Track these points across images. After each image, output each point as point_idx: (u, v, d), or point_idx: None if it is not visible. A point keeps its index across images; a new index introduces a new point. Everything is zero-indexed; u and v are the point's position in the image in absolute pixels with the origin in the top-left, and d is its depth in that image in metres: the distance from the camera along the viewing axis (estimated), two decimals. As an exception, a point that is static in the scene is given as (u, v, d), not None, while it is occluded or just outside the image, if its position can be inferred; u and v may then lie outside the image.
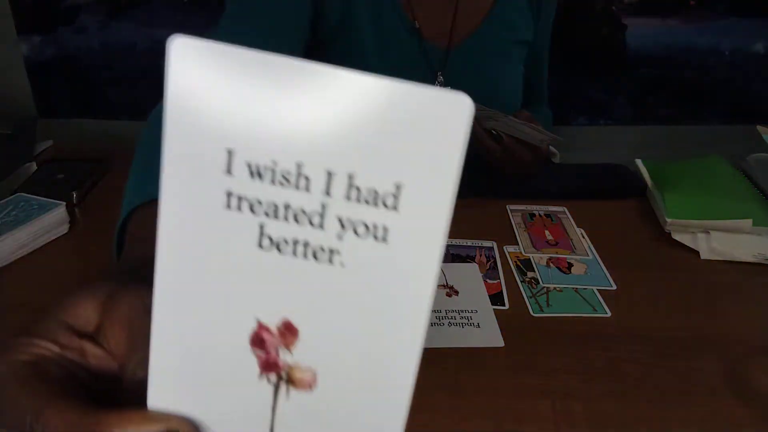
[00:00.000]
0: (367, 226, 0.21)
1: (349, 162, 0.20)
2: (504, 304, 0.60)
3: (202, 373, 0.24)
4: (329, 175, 0.21)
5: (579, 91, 1.20)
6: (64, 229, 0.72)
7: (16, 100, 1.04)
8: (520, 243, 0.70)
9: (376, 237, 0.21)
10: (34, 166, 0.87)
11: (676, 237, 0.70)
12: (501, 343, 0.54)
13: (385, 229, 0.21)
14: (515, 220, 0.75)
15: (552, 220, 0.75)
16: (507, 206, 0.78)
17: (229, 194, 0.21)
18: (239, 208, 0.21)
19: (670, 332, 0.56)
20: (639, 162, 0.85)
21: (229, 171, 0.21)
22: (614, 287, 0.62)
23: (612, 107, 1.20)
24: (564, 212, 0.77)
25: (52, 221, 0.71)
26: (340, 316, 0.22)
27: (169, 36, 0.20)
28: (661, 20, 1.07)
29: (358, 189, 0.21)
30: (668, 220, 0.71)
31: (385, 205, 0.21)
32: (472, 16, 0.86)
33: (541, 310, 0.59)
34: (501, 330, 0.56)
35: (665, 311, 0.59)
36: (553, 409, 0.47)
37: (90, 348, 0.28)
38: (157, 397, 0.24)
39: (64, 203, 0.73)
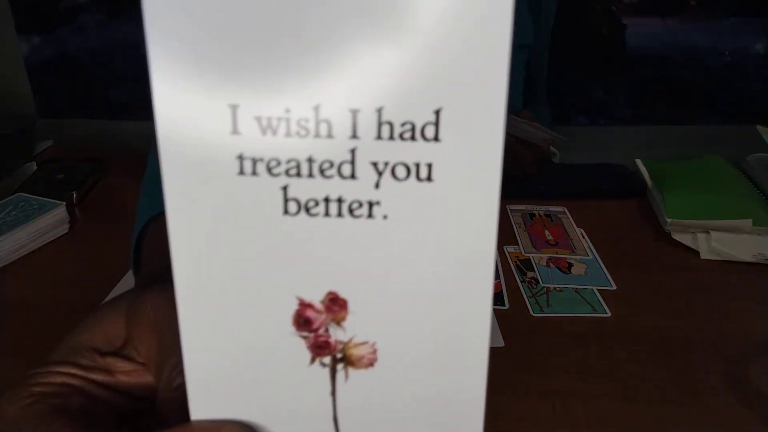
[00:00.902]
0: (407, 167, 0.18)
1: (375, 94, 0.17)
2: (504, 304, 0.60)
3: (245, 370, 0.21)
4: (353, 113, 0.17)
5: (579, 91, 1.20)
6: (64, 229, 0.72)
7: (16, 100, 1.04)
8: (520, 243, 0.70)
9: (419, 177, 0.18)
10: (34, 166, 0.87)
11: (676, 237, 0.70)
12: (501, 343, 0.54)
13: (429, 166, 0.18)
14: (515, 220, 0.75)
15: (552, 220, 0.75)
16: (507, 206, 0.78)
17: (240, 158, 0.18)
18: (254, 171, 0.18)
19: (670, 332, 0.56)
20: (639, 162, 0.85)
21: (235, 130, 0.18)
22: (614, 287, 0.62)
23: (612, 107, 1.20)
24: (564, 212, 0.77)
25: (52, 221, 0.71)
26: (392, 275, 0.19)
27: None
28: (661, 20, 1.07)
29: (390, 124, 0.17)
30: (668, 220, 0.71)
31: (424, 137, 0.18)
32: None
33: (541, 310, 0.59)
34: (501, 330, 0.56)
35: (665, 311, 0.59)
36: (553, 409, 0.47)
37: (117, 364, 0.25)
38: (201, 407, 0.21)
39: (64, 203, 0.73)
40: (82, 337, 0.26)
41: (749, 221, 0.69)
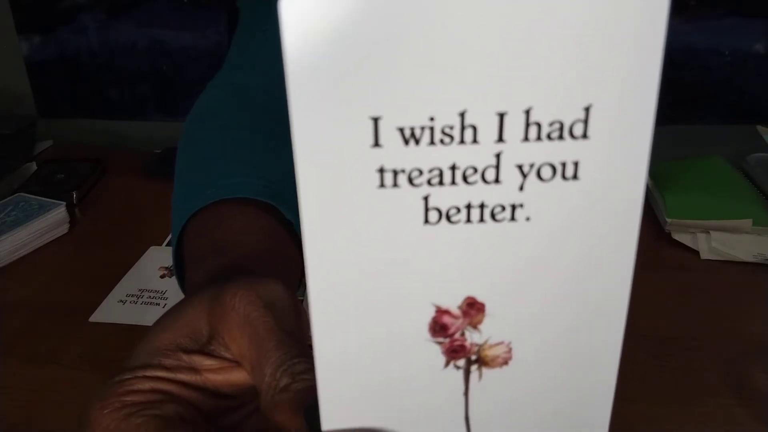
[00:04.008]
0: (553, 167, 0.17)
1: (524, 95, 0.16)
2: (504, 304, 0.60)
3: (378, 377, 0.20)
4: (500, 117, 0.17)
5: (579, 91, 1.20)
6: (64, 229, 0.72)
7: (16, 100, 1.04)
8: (520, 243, 0.70)
9: (564, 176, 0.17)
10: (34, 166, 0.87)
11: (676, 237, 0.70)
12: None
13: (576, 164, 0.17)
14: (515, 220, 0.75)
15: (552, 220, 0.75)
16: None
17: (381, 171, 0.17)
18: (395, 183, 0.17)
19: (670, 332, 0.56)
20: (639, 162, 0.85)
21: (377, 143, 0.17)
22: (614, 287, 0.62)
23: (612, 107, 1.20)
24: (564, 212, 0.77)
25: (52, 221, 0.71)
26: (532, 275, 0.19)
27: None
28: (661, 20, 1.07)
29: (538, 125, 0.17)
30: (668, 220, 0.71)
31: (572, 135, 0.17)
32: None
33: (541, 310, 0.59)
34: (501, 330, 0.56)
35: (665, 311, 0.59)
36: (553, 409, 0.47)
37: (204, 362, 0.24)
38: (333, 416, 0.20)
39: (64, 203, 0.73)
40: (164, 336, 0.24)
41: (749, 221, 0.69)
